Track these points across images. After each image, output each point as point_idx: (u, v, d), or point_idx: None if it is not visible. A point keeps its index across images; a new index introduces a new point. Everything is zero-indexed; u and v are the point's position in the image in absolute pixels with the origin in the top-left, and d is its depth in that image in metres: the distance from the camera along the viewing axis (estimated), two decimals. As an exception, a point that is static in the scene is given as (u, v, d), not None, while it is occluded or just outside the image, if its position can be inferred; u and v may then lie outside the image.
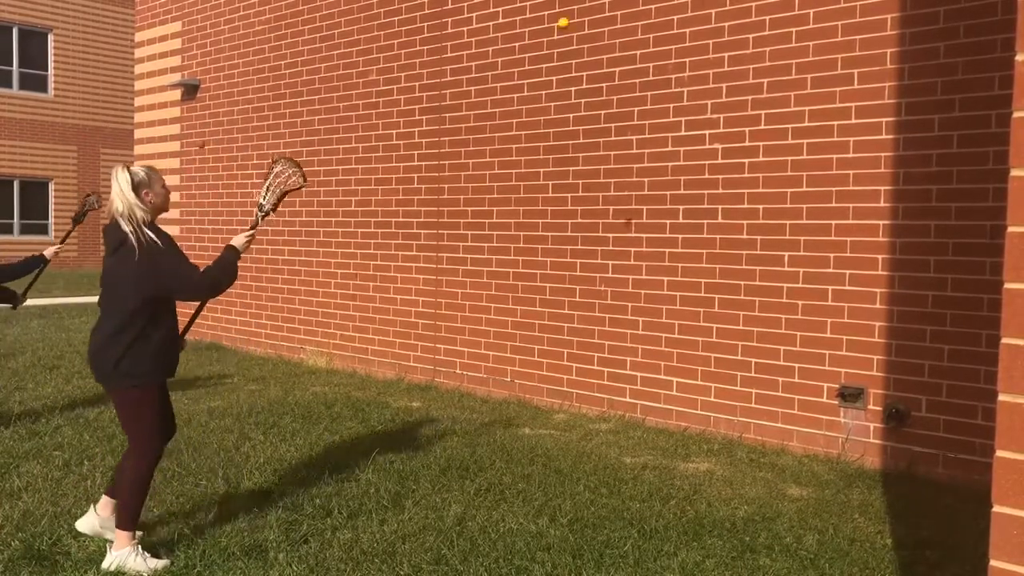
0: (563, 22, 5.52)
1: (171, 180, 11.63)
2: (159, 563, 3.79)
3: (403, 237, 8.74)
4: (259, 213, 4.34)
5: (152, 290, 3.79)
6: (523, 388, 7.75)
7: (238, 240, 4.11)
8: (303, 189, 4.66)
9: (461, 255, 8.23)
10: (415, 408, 7.24)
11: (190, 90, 11.26)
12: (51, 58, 25.01)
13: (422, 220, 8.56)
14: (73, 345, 10.19)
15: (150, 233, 3.78)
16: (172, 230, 11.62)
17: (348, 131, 9.25)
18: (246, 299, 10.53)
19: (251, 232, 4.18)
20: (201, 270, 3.91)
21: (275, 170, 4.37)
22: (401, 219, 8.76)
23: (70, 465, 5.26)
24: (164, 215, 12.46)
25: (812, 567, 3.93)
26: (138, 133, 12.33)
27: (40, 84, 24.90)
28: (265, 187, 4.35)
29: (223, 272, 3.96)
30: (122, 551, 3.76)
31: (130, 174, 3.81)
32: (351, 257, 9.28)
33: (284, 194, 4.41)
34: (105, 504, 4.04)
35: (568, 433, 6.48)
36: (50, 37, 24.96)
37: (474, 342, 8.14)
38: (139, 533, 3.95)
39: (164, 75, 11.76)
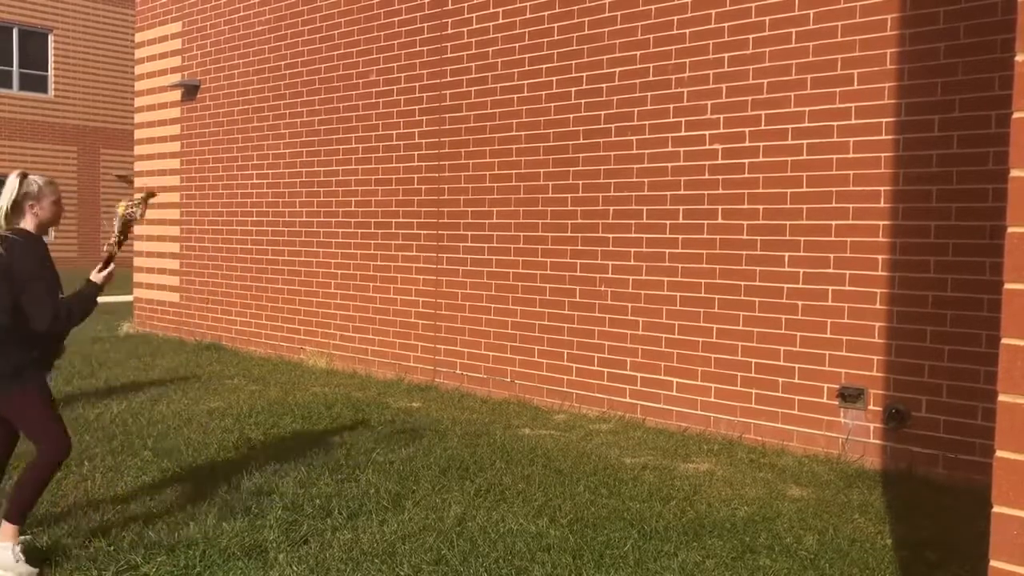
0: None
1: (171, 180, 11.64)
2: (31, 570, 3.68)
3: (403, 238, 8.74)
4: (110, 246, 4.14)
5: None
6: (523, 388, 7.75)
7: (95, 274, 3.99)
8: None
9: (461, 256, 8.23)
10: (415, 408, 7.24)
11: (190, 90, 11.26)
12: (51, 58, 25.02)
13: (422, 221, 8.56)
14: (73, 345, 10.18)
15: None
16: (172, 231, 11.64)
17: (348, 131, 9.25)
18: (246, 299, 10.53)
19: (108, 270, 4.03)
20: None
21: (118, 212, 4.22)
22: (401, 220, 8.76)
23: (70, 465, 5.25)
24: (164, 214, 12.41)
25: (812, 567, 3.93)
26: (138, 133, 12.33)
27: (40, 84, 24.91)
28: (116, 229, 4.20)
29: (80, 304, 3.88)
30: (3, 544, 3.69)
31: (20, 183, 3.72)
32: (351, 258, 9.28)
33: (125, 224, 4.20)
34: None
35: (568, 433, 6.48)
36: (50, 37, 24.96)
37: (474, 342, 8.14)
38: (26, 537, 3.89)
39: (164, 75, 11.76)
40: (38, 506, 4.49)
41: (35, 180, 3.79)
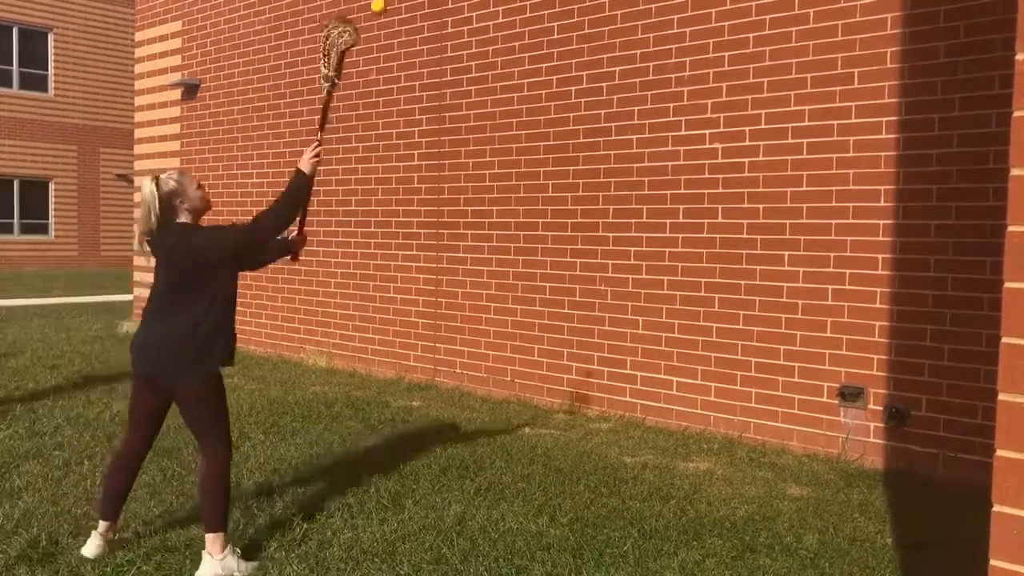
0: (377, 5, 4.44)
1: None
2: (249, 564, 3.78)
3: (403, 236, 8.74)
4: (324, 84, 4.03)
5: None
6: (523, 387, 7.75)
7: (303, 161, 3.82)
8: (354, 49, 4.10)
9: (461, 254, 8.23)
10: (415, 407, 7.24)
11: (190, 90, 11.26)
12: (51, 58, 25.03)
13: (422, 219, 8.56)
14: (73, 345, 10.19)
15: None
16: (172, 230, 11.62)
17: (348, 130, 9.25)
18: (246, 299, 10.52)
19: (317, 145, 3.88)
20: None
21: (328, 37, 4.04)
22: (401, 218, 8.76)
23: (70, 465, 5.25)
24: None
25: (812, 566, 3.93)
26: (138, 133, 12.33)
27: (40, 84, 24.92)
28: (323, 60, 4.04)
29: (281, 206, 3.79)
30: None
31: (157, 186, 3.72)
32: (351, 256, 9.28)
33: (341, 54, 4.06)
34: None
35: (568, 433, 6.48)
36: (50, 37, 24.97)
37: (474, 341, 8.14)
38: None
39: (164, 75, 11.76)
40: (39, 505, 4.49)
41: (170, 177, 3.79)
